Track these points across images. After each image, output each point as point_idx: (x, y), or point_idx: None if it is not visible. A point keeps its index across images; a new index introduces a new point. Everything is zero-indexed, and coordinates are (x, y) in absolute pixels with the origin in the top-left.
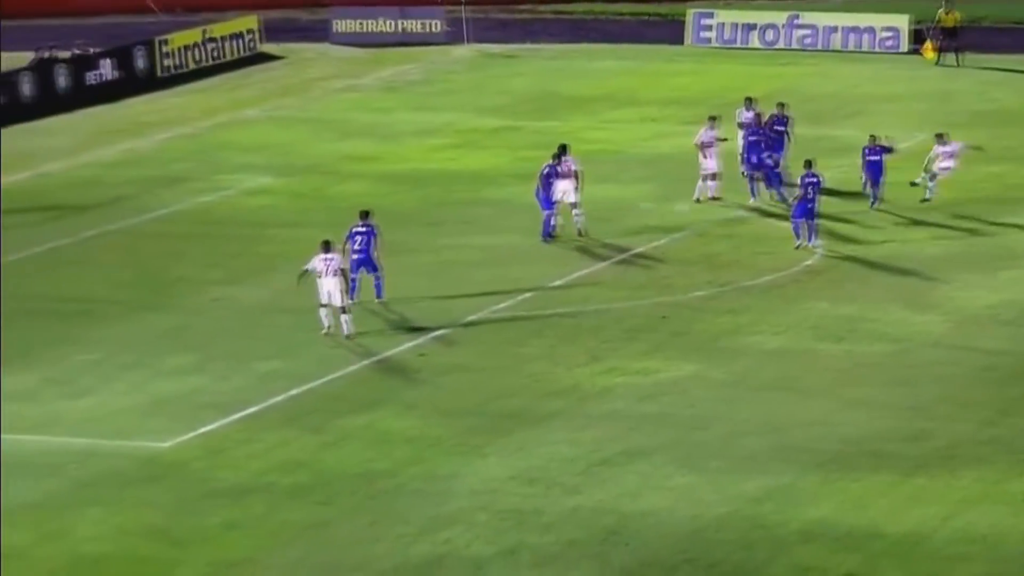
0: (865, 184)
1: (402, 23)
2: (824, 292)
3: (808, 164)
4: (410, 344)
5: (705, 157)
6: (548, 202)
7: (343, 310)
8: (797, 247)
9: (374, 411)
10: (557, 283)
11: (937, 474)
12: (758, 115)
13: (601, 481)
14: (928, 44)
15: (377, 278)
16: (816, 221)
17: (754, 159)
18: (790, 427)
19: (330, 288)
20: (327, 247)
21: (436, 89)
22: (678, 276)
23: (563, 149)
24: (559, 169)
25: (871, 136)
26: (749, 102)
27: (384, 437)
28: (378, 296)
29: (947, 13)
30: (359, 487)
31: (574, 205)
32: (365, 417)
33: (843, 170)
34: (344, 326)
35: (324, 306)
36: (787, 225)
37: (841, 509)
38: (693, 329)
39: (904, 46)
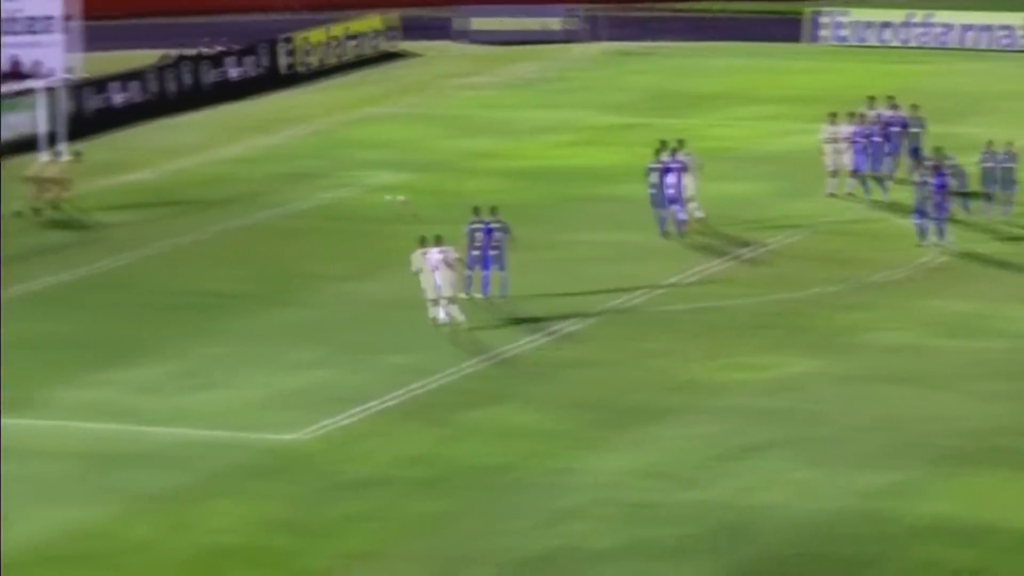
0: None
1: (525, 20)
2: (942, 289)
3: (935, 164)
4: (531, 339)
5: (824, 154)
6: (665, 200)
7: (451, 300)
8: (921, 245)
9: (496, 406)
10: (676, 279)
11: None
12: (864, 116)
13: (719, 476)
14: None
15: (502, 275)
16: (944, 219)
17: (859, 161)
18: (907, 423)
19: (441, 280)
20: (438, 241)
21: (558, 87)
22: (797, 273)
23: (679, 144)
24: (672, 165)
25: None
26: (871, 101)
27: (505, 431)
28: (502, 293)
29: None
30: (481, 480)
31: (690, 199)
32: (487, 411)
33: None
34: (457, 315)
35: (435, 301)
36: (906, 222)
37: (958, 504)
38: (812, 325)
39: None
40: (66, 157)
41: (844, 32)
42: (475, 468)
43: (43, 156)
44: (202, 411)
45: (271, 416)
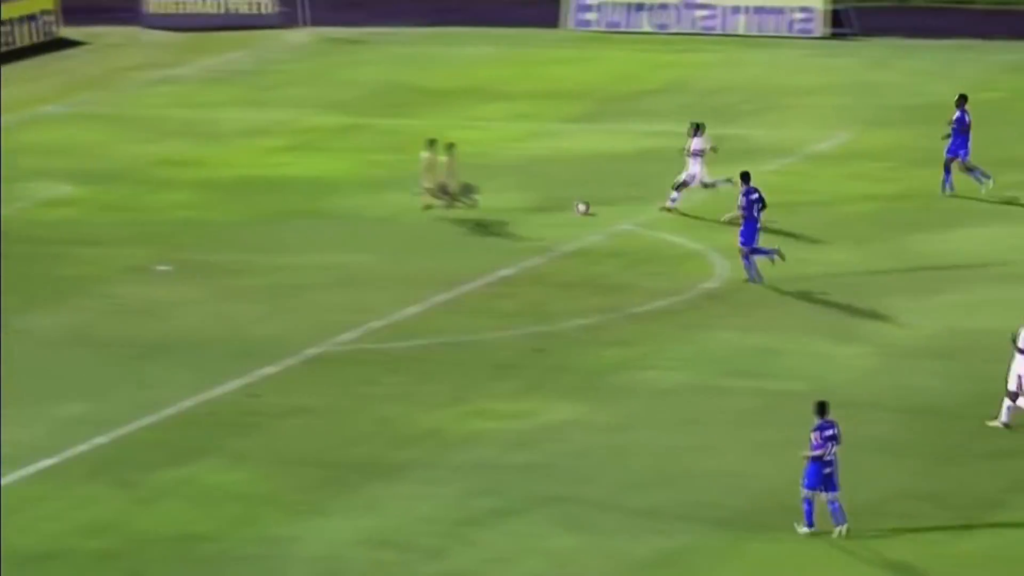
0: None
1: (227, 2)
2: (730, 320)
3: (746, 177)
4: (239, 382)
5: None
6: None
7: None
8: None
9: (196, 462)
10: (414, 310)
11: (862, 533)
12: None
13: (467, 544)
14: None
15: None
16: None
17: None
18: (690, 479)
19: None
20: None
21: (268, 81)
22: (556, 301)
23: (698, 127)
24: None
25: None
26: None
27: (208, 493)
28: None
29: None
30: (178, 553)
31: (708, 186)
32: (185, 470)
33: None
34: None
35: None
36: (682, 241)
37: (753, 573)
38: (574, 364)
39: (821, 29)
40: None
41: (607, 16)
42: (171, 538)
43: None
44: None
45: None
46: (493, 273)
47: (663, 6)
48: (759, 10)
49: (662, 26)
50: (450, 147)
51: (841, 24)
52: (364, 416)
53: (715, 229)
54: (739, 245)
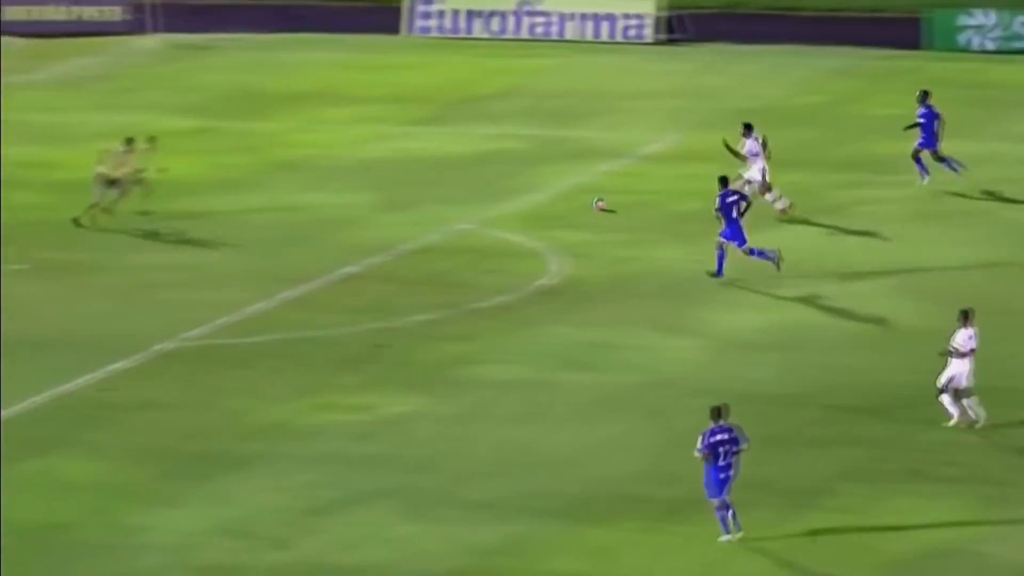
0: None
1: (77, 10)
2: (566, 315)
3: (722, 181)
4: (92, 376)
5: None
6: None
7: None
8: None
9: (49, 455)
10: (262, 307)
11: (696, 520)
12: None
13: (311, 533)
14: None
15: None
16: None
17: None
18: (529, 469)
19: None
20: None
21: (118, 86)
22: (399, 298)
23: (748, 128)
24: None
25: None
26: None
27: (61, 485)
28: None
29: None
30: (34, 542)
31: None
32: (41, 462)
33: (590, 176)
34: None
35: None
36: (521, 240)
37: (589, 560)
38: (416, 358)
39: (651, 35)
40: None
41: (447, 22)
42: (26, 528)
43: None
44: None
45: None
46: (339, 271)
47: (500, 13)
48: (593, 16)
49: (500, 32)
50: (151, 140)
51: (673, 30)
52: (214, 409)
53: (555, 228)
54: (719, 238)
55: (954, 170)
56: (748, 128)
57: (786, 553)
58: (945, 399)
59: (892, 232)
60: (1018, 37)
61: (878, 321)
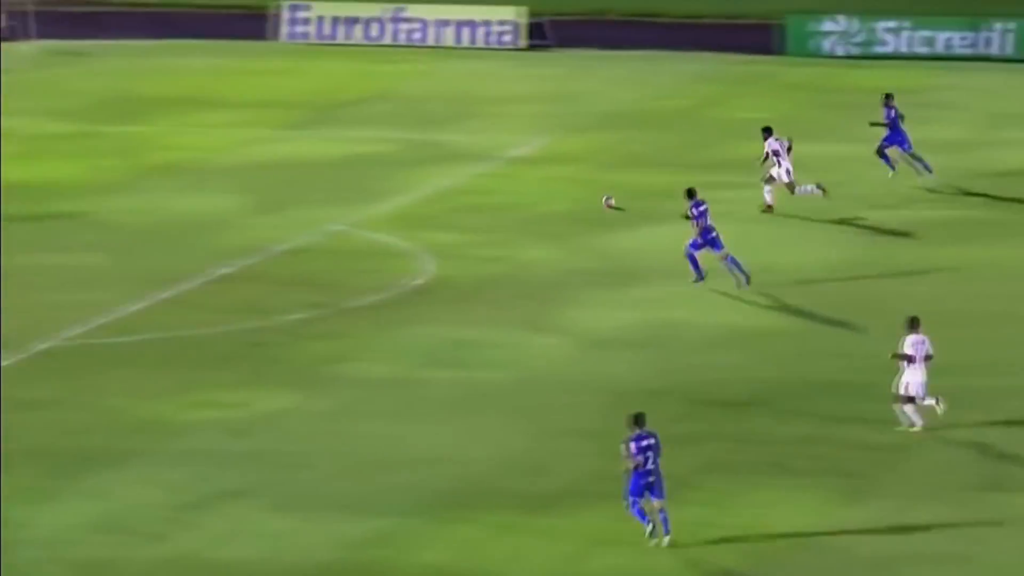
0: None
1: None
2: (436, 314)
3: (691, 193)
4: None
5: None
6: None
7: None
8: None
9: None
10: (138, 307)
11: (561, 512)
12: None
13: (188, 527)
14: None
15: None
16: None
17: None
18: (400, 463)
19: None
20: None
21: None
22: (273, 297)
23: (768, 131)
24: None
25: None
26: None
27: None
28: None
29: None
30: None
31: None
32: None
33: (458, 179)
34: None
35: None
36: (392, 240)
37: (457, 552)
38: (290, 356)
39: (522, 41)
40: None
41: (319, 29)
42: None
43: None
44: None
45: None
46: (213, 271)
47: (372, 20)
48: (463, 23)
49: (371, 38)
50: None
51: (539, 36)
52: (91, 407)
53: (424, 229)
54: (687, 248)
55: (928, 169)
56: (768, 131)
57: (649, 544)
58: (906, 407)
59: (751, 232)
60: (873, 43)
61: (738, 319)
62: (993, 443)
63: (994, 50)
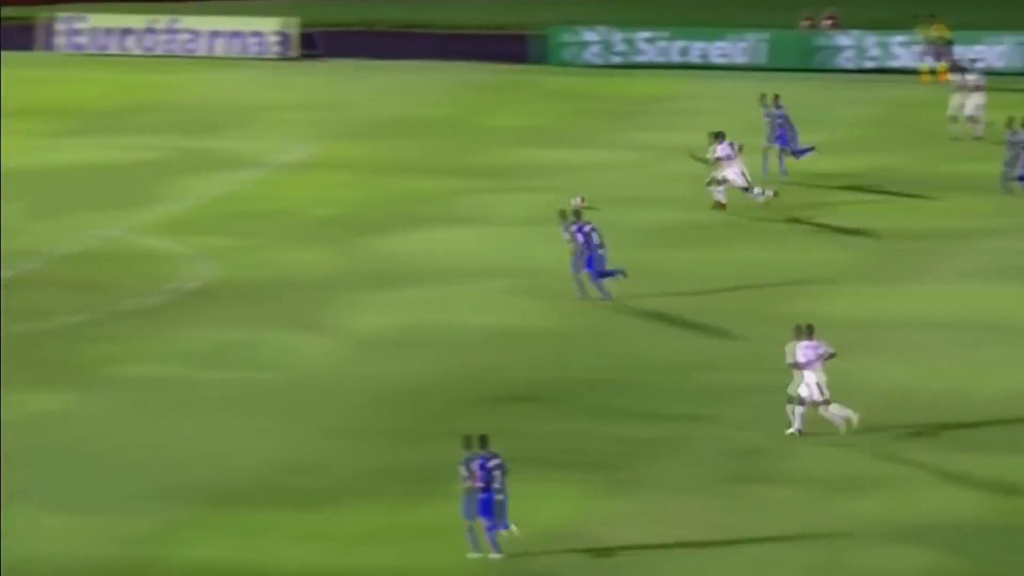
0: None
1: None
2: (211, 316)
3: (577, 214)
4: None
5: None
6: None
7: None
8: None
9: None
10: None
11: (331, 508)
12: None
13: None
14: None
15: None
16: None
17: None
18: (173, 462)
19: None
20: None
21: None
22: (49, 301)
23: (718, 135)
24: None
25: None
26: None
27: None
28: None
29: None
30: None
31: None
32: None
33: (231, 185)
34: None
35: None
36: (164, 245)
37: (229, 548)
38: (67, 358)
39: (294, 51)
40: None
41: (94, 40)
42: None
43: None
44: None
45: None
46: None
47: (145, 30)
48: (236, 34)
49: (144, 48)
50: None
51: (311, 46)
52: None
53: (198, 234)
54: (584, 270)
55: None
56: (719, 135)
57: (416, 538)
58: (798, 410)
59: (514, 235)
60: (631, 52)
61: (503, 320)
62: (746, 437)
63: (748, 59)
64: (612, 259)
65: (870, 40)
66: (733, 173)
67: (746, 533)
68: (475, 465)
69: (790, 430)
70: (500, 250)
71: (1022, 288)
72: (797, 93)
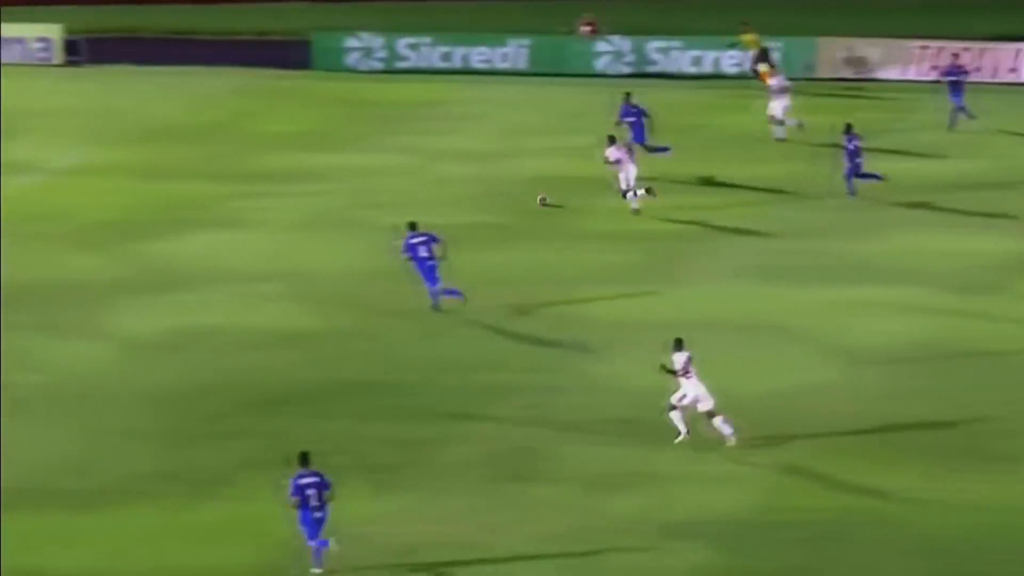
0: None
1: None
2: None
3: (411, 225)
4: None
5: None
6: None
7: None
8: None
9: None
10: None
11: (108, 510)
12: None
13: None
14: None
15: None
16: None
17: None
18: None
19: None
20: None
21: None
22: None
23: (612, 139)
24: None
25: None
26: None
27: None
28: None
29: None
30: None
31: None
32: None
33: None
34: None
35: None
36: None
37: (8, 550)
38: None
39: (58, 57)
40: None
41: None
42: None
43: None
44: None
45: None
46: None
47: None
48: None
49: None
50: None
51: (75, 53)
52: None
53: None
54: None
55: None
56: (612, 139)
57: (188, 541)
58: (675, 415)
59: (284, 240)
60: (395, 58)
61: (273, 323)
62: (514, 436)
63: (509, 64)
64: (387, 263)
65: (627, 44)
66: (622, 176)
67: (511, 531)
68: (292, 483)
69: (679, 439)
70: (270, 254)
71: (789, 287)
72: (560, 97)
